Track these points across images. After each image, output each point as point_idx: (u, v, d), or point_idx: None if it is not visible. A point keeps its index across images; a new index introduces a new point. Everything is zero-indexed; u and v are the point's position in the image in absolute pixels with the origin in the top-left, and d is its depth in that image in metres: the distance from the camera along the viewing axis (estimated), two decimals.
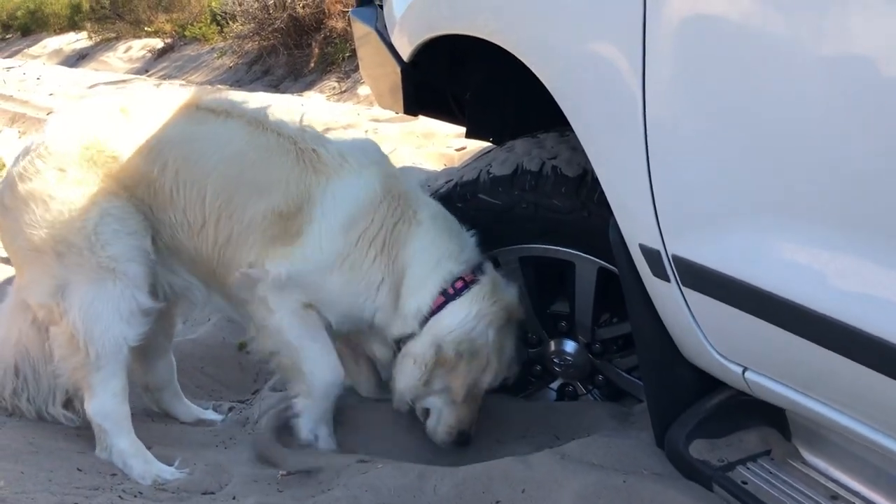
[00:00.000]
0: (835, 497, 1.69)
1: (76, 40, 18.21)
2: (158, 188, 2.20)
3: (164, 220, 2.23)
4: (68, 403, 2.36)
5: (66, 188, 2.15)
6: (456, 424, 2.29)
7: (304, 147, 2.26)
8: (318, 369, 2.28)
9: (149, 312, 2.23)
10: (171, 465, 2.21)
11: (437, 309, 2.24)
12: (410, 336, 2.26)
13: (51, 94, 11.24)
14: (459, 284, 2.25)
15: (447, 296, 2.24)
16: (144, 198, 2.21)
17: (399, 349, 2.29)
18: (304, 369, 2.28)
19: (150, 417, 2.58)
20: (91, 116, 2.25)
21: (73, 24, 19.04)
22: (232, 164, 2.21)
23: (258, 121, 2.28)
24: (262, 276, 2.19)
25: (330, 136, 6.61)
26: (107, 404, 2.19)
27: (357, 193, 2.23)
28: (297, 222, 2.20)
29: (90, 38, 17.48)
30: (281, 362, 2.31)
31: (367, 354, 2.46)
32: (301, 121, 2.36)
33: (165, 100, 2.32)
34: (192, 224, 2.22)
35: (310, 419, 2.32)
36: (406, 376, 2.27)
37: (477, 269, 2.29)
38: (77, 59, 17.01)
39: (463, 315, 2.23)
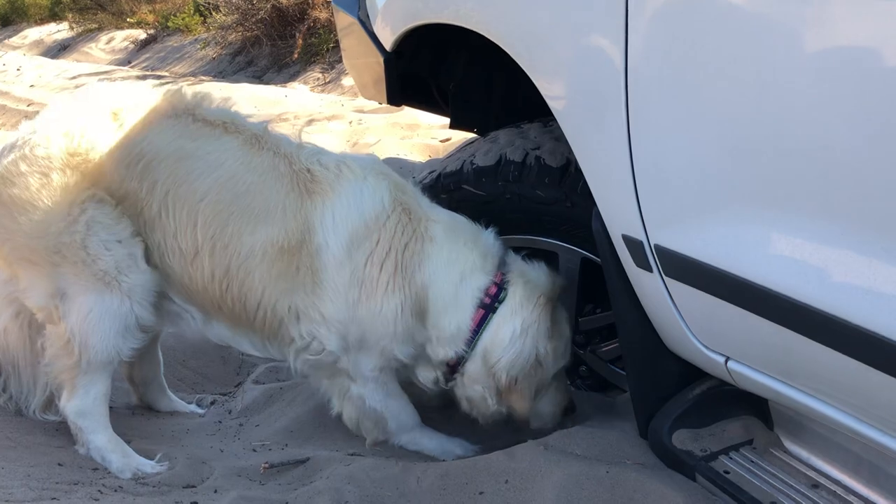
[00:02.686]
0: (816, 485, 1.70)
1: (57, 31, 18.03)
2: (145, 207, 2.08)
3: (152, 243, 2.11)
4: (48, 405, 2.31)
5: (49, 195, 2.04)
6: (557, 409, 2.23)
7: (298, 168, 2.11)
8: (403, 423, 2.25)
9: (148, 329, 2.18)
10: (152, 458, 2.19)
11: (479, 324, 2.12)
12: (462, 359, 2.15)
13: (31, 86, 11.13)
14: (493, 290, 2.13)
15: (486, 307, 2.12)
16: (132, 213, 2.10)
17: (449, 371, 2.18)
18: (392, 427, 2.24)
19: (130, 411, 2.56)
20: (79, 119, 2.11)
21: (54, 15, 18.85)
22: (225, 189, 2.06)
23: (256, 138, 2.13)
24: (325, 354, 2.11)
25: (313, 127, 6.55)
26: (86, 405, 2.16)
27: (360, 205, 2.09)
28: (303, 259, 2.06)
29: (72, 28, 17.31)
30: (365, 425, 2.24)
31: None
32: (300, 135, 2.21)
33: (160, 104, 2.15)
34: (183, 251, 2.10)
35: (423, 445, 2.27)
36: (481, 404, 2.19)
37: (503, 266, 2.17)
38: (58, 49, 16.84)
39: (509, 334, 2.11)
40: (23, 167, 2.07)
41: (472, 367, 2.15)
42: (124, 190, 2.08)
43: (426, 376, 2.22)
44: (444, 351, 2.14)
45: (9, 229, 2.09)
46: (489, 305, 2.12)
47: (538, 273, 2.18)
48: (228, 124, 2.14)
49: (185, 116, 2.13)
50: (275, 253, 2.06)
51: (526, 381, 2.14)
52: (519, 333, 2.11)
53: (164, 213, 2.08)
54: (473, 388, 2.18)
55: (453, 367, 2.18)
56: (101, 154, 2.08)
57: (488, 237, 2.20)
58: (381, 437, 2.26)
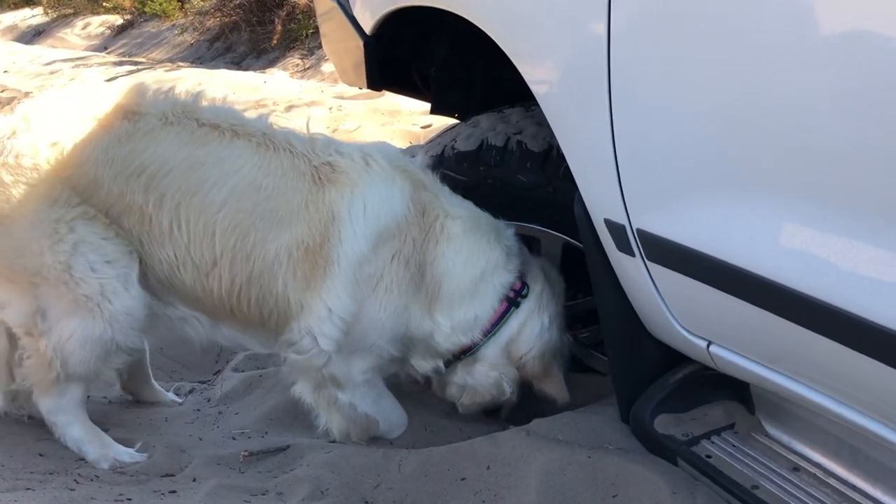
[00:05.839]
0: (796, 469, 1.71)
1: (31, 16, 17.71)
2: (154, 222, 1.97)
3: (161, 258, 2.01)
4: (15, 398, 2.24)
5: (33, 211, 1.93)
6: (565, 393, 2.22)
7: (318, 163, 2.02)
8: (393, 423, 2.24)
9: (132, 352, 2.12)
10: (130, 448, 2.16)
11: (501, 316, 2.14)
12: (474, 346, 2.15)
13: (5, 72, 10.93)
14: (518, 286, 2.15)
15: (510, 301, 2.14)
16: (133, 229, 1.99)
17: (453, 359, 2.17)
18: (383, 429, 2.21)
19: (107, 400, 2.53)
20: (70, 127, 1.98)
21: (28, 0, 18.53)
22: (245, 196, 1.96)
23: (267, 139, 2.03)
24: (315, 353, 2.02)
25: (293, 113, 6.48)
26: (61, 405, 2.11)
27: (391, 204, 2.02)
28: (323, 251, 1.97)
29: (46, 13, 17.01)
30: (354, 433, 2.18)
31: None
32: (308, 128, 2.13)
33: (161, 105, 2.03)
34: (198, 264, 2.00)
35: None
36: (490, 391, 2.20)
37: (523, 264, 2.18)
38: (33, 35, 16.55)
39: (538, 327, 2.16)
40: (5, 177, 1.94)
41: (490, 354, 2.17)
42: (125, 204, 1.97)
43: (424, 366, 2.18)
44: (457, 339, 2.13)
45: None
46: (513, 300, 2.15)
47: (554, 271, 2.25)
48: (236, 126, 2.03)
49: (187, 121, 2.02)
50: (301, 255, 1.98)
51: (557, 367, 2.20)
52: (548, 325, 2.18)
53: (176, 226, 1.97)
54: (487, 375, 2.19)
55: (458, 356, 2.17)
56: (96, 166, 1.96)
57: (509, 234, 2.19)
58: (367, 435, 2.21)
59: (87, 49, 14.25)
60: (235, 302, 2.04)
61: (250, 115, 2.14)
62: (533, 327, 2.16)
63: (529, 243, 2.33)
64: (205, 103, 2.08)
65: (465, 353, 2.16)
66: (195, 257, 2.00)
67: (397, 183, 2.06)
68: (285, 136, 2.06)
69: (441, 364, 2.18)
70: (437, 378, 2.25)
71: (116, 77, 9.31)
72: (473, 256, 2.10)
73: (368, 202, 2.00)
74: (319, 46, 9.31)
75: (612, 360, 2.03)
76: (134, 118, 2.01)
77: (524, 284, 2.17)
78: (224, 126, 2.03)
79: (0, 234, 1.96)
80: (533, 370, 2.18)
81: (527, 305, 2.16)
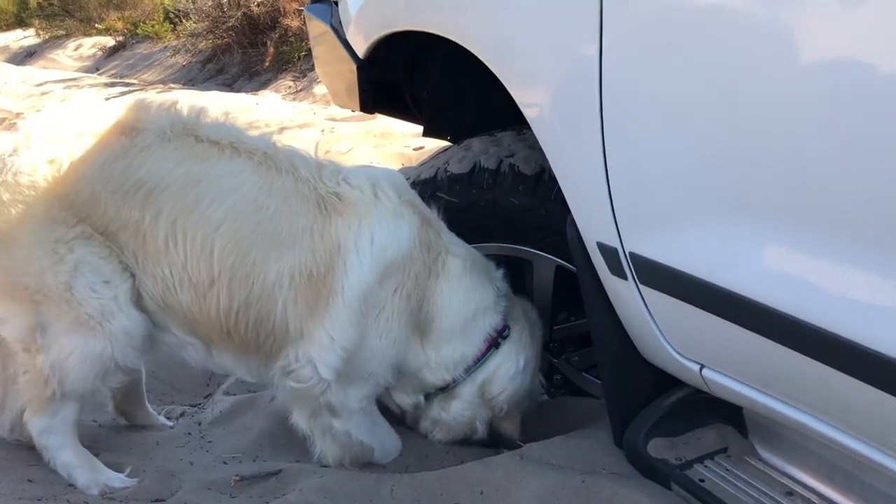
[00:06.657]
0: (790, 493, 1.70)
1: (24, 37, 17.76)
2: (149, 238, 1.95)
3: (156, 275, 1.98)
4: (15, 428, 2.21)
5: (33, 230, 1.93)
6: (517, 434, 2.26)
7: (325, 192, 1.99)
8: (388, 450, 2.23)
9: (130, 372, 2.10)
10: (120, 472, 2.14)
11: (482, 356, 2.17)
12: (454, 383, 2.18)
13: None
14: (500, 327, 2.19)
15: (491, 341, 2.17)
16: (128, 246, 1.97)
17: (434, 393, 2.21)
18: (378, 456, 2.21)
19: (97, 423, 2.50)
20: (68, 144, 1.97)
21: (20, 21, 18.59)
22: (245, 216, 1.94)
23: (268, 158, 2.00)
24: (314, 382, 2.00)
25: (285, 135, 6.49)
26: (53, 425, 2.08)
27: (399, 239, 2.02)
28: (327, 281, 1.95)
29: (38, 35, 17.06)
30: (348, 460, 2.16)
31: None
32: (316, 151, 2.10)
33: (161, 122, 2.00)
34: (195, 283, 1.97)
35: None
36: (463, 429, 2.25)
37: (508, 306, 2.22)
38: (25, 56, 16.59)
39: (513, 369, 2.19)
40: (4, 195, 1.93)
41: (467, 393, 2.20)
42: (121, 221, 1.95)
43: (406, 400, 2.23)
44: (441, 375, 2.16)
45: None
46: (494, 340, 2.18)
47: (535, 312, 2.28)
48: (236, 143, 2.00)
49: (185, 137, 1.99)
50: (303, 281, 1.95)
51: (519, 410, 2.25)
52: (522, 369, 2.20)
53: (172, 243, 1.95)
54: (462, 413, 2.22)
55: (437, 391, 2.20)
56: (93, 183, 1.95)
57: (499, 276, 2.23)
58: (362, 460, 2.20)
59: (78, 70, 14.27)
60: (233, 324, 2.02)
61: (251, 133, 2.11)
62: (507, 369, 2.19)
63: (521, 266, 2.34)
64: (206, 120, 2.07)
65: (444, 389, 2.19)
66: (192, 276, 1.97)
67: (405, 217, 2.05)
68: (288, 158, 2.04)
69: (422, 399, 2.22)
70: (414, 412, 2.27)
71: (108, 98, 9.32)
72: (469, 295, 2.14)
73: (376, 235, 1.99)
74: (311, 69, 9.36)
75: (604, 383, 2.03)
76: (132, 134, 1.99)
77: (506, 326, 2.20)
78: (224, 143, 2.00)
79: (1, 253, 1.96)
80: (498, 411, 2.22)
81: (506, 347, 2.19)
